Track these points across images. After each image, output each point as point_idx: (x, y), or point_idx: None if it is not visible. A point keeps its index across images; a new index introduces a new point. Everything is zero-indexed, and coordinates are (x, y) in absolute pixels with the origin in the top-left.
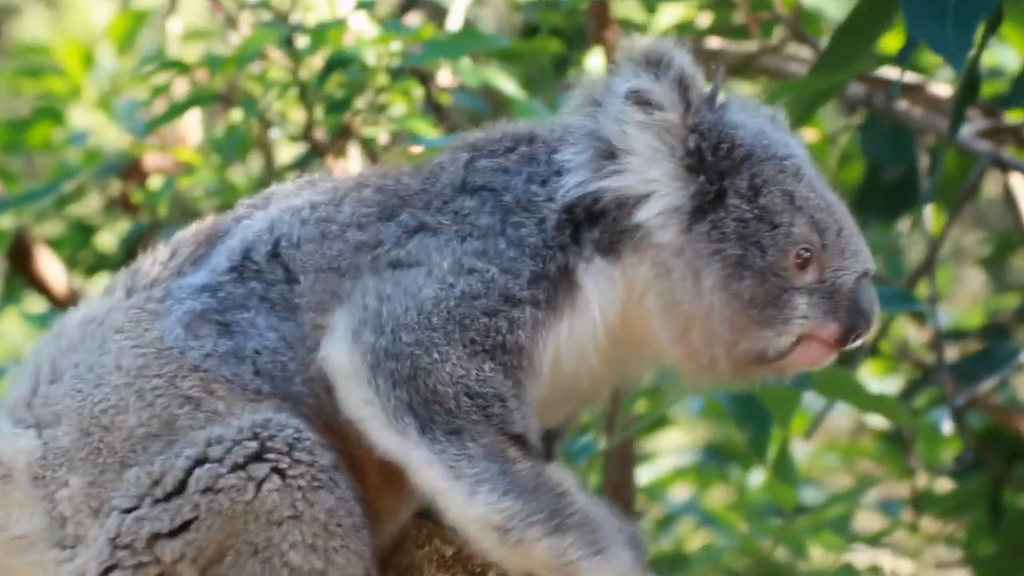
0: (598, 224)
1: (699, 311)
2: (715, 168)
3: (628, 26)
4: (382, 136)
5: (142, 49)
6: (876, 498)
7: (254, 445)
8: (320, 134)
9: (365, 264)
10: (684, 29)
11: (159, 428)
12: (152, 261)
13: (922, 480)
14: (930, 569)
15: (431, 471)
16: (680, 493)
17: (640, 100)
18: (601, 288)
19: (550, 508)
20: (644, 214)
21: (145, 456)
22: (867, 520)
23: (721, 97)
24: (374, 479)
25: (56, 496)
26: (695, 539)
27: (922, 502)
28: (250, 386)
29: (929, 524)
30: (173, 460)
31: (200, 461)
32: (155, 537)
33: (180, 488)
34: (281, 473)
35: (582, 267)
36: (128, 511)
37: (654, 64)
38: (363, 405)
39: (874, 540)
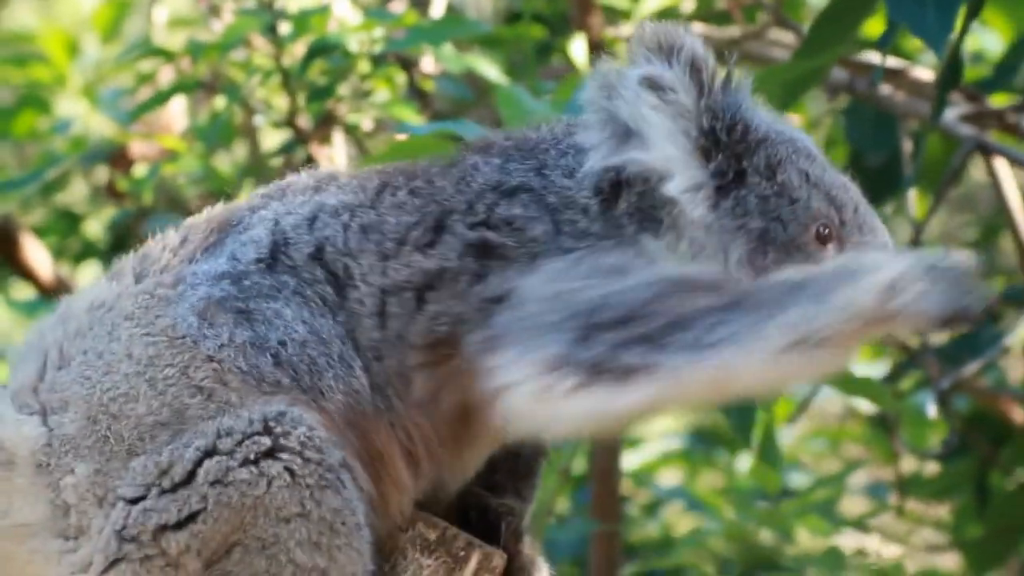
0: (631, 205)
1: None
2: (731, 148)
3: (611, 12)
4: (366, 123)
5: (128, 37)
6: (865, 482)
7: (267, 441)
8: (304, 121)
9: (457, 306)
10: (667, 15)
11: (169, 417)
12: (162, 247)
13: (910, 464)
14: (919, 552)
15: (701, 368)
16: (668, 478)
17: (654, 85)
18: None
19: (819, 288)
20: (672, 188)
21: (153, 445)
22: (856, 505)
23: (734, 81)
24: (397, 471)
25: (60, 484)
26: (683, 524)
27: (909, 486)
28: (268, 378)
29: (918, 508)
30: (182, 451)
31: (210, 453)
32: (162, 529)
33: (188, 479)
34: (291, 471)
35: (638, 248)
36: (134, 501)
37: (666, 50)
38: (606, 400)
39: (859, 523)
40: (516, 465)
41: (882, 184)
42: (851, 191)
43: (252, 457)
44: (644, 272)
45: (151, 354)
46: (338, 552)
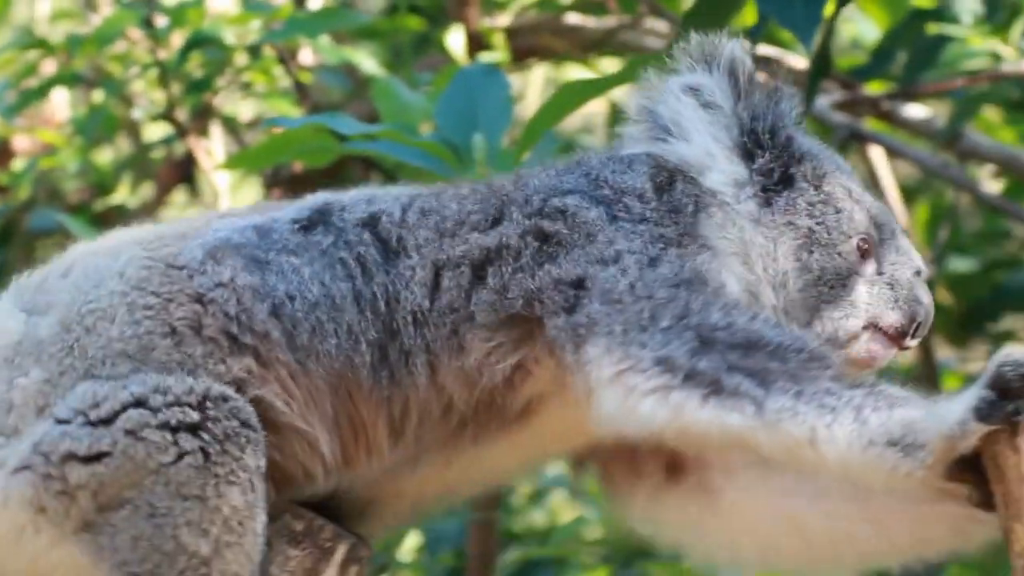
0: (686, 188)
1: (776, 282)
2: (776, 152)
3: (488, 3)
4: (244, 115)
5: (11, 30)
6: None
7: (194, 415)
8: (182, 114)
9: (528, 281)
10: (545, 5)
11: (135, 351)
12: (213, 214)
13: None
14: None
15: (795, 422)
16: (555, 466)
17: (694, 91)
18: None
19: (927, 406)
20: (712, 181)
21: (110, 373)
22: None
23: (779, 93)
24: (378, 438)
25: (14, 382)
26: (567, 512)
27: None
28: (257, 326)
29: None
30: (119, 391)
31: (139, 403)
32: (69, 456)
33: (111, 420)
34: (206, 454)
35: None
36: (60, 422)
37: (708, 59)
38: (703, 414)
39: None
40: None
41: None
42: (889, 215)
43: (173, 423)
44: (759, 317)
45: (142, 276)
46: (226, 548)
